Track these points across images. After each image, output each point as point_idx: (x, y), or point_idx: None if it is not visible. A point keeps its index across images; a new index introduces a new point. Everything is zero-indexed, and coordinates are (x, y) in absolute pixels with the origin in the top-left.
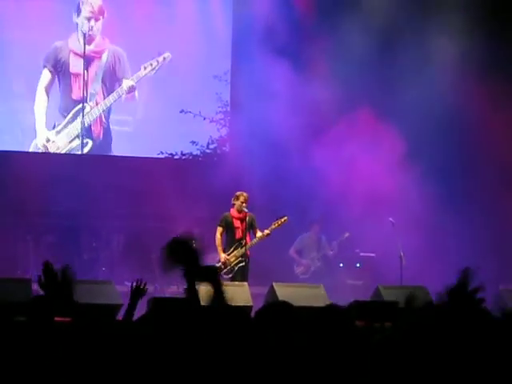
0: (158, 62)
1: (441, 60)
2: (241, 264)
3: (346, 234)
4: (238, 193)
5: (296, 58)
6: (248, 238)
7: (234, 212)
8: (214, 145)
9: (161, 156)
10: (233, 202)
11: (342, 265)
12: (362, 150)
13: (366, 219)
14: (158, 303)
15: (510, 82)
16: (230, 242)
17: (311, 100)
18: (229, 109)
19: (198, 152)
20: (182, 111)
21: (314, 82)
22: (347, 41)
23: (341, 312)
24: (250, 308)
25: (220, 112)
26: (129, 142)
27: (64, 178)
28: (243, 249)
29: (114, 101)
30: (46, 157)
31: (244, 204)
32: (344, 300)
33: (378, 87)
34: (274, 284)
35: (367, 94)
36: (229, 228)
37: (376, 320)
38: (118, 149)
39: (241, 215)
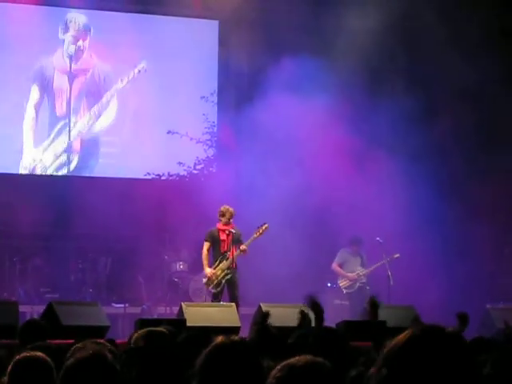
0: (134, 73)
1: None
2: (227, 276)
3: (396, 255)
4: (223, 208)
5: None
6: (233, 251)
7: (220, 225)
8: (201, 165)
9: (148, 177)
10: (219, 218)
11: (329, 284)
12: (346, 172)
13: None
14: (144, 325)
15: None
16: (216, 255)
17: (301, 118)
18: (215, 129)
19: (185, 173)
20: (169, 132)
21: (303, 104)
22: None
23: (335, 333)
24: (238, 329)
25: (207, 133)
26: (116, 163)
27: (50, 200)
28: (228, 261)
29: (92, 122)
30: (32, 179)
31: (230, 220)
32: (331, 320)
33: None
34: (261, 304)
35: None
36: (215, 242)
37: (364, 340)
38: (105, 170)
39: (227, 229)
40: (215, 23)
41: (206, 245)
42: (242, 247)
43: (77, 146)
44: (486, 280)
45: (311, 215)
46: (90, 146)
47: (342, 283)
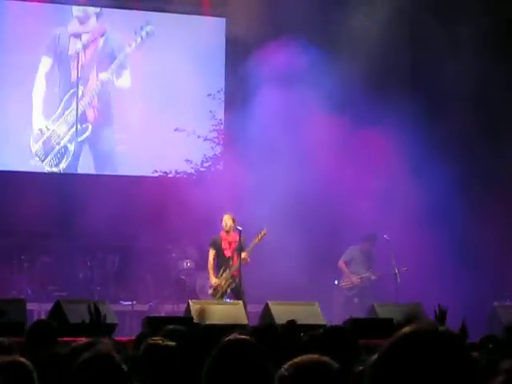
0: (141, 37)
1: None
2: (232, 286)
3: (404, 268)
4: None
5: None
6: (236, 259)
7: (222, 233)
8: (209, 163)
9: (155, 174)
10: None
11: (336, 282)
12: (349, 165)
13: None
14: (151, 322)
15: None
16: (220, 263)
17: (309, 115)
18: (222, 127)
19: (193, 170)
20: (176, 129)
21: (311, 101)
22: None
23: (343, 331)
24: (245, 326)
25: (214, 130)
26: (123, 160)
27: (58, 198)
28: (231, 270)
29: (99, 89)
30: (39, 176)
31: (229, 224)
32: (340, 318)
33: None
34: (268, 302)
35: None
36: (219, 250)
37: (372, 337)
38: (113, 167)
39: (229, 237)
40: (222, 21)
41: (212, 253)
42: (243, 255)
43: (90, 115)
44: (493, 277)
45: (319, 212)
46: (103, 116)
47: (344, 283)
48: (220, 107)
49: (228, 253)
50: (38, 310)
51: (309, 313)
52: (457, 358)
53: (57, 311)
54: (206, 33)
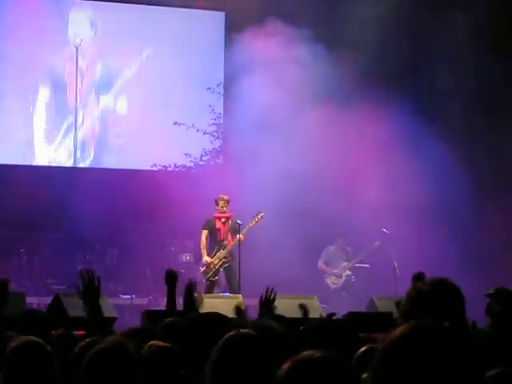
0: (140, 61)
1: None
2: (226, 265)
3: (377, 243)
4: (217, 197)
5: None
6: (230, 239)
7: (216, 214)
8: (208, 157)
9: (154, 168)
10: (215, 207)
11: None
12: (349, 156)
13: (361, 230)
14: (151, 316)
15: None
16: (213, 243)
17: (307, 109)
18: (221, 121)
19: (192, 164)
20: (175, 123)
21: (307, 91)
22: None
23: (343, 324)
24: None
25: (213, 124)
26: (122, 154)
27: (57, 191)
28: (225, 250)
29: (100, 114)
30: (39, 170)
31: (224, 208)
32: (339, 311)
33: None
34: None
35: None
36: (212, 230)
37: (371, 331)
38: (112, 161)
39: (223, 215)
40: (221, 14)
41: (204, 233)
42: (239, 236)
43: (90, 140)
44: (494, 271)
45: (319, 203)
46: (102, 140)
47: (329, 280)
48: (219, 101)
49: (221, 234)
50: (37, 303)
51: (308, 306)
52: (458, 353)
53: (56, 304)
54: (206, 27)
